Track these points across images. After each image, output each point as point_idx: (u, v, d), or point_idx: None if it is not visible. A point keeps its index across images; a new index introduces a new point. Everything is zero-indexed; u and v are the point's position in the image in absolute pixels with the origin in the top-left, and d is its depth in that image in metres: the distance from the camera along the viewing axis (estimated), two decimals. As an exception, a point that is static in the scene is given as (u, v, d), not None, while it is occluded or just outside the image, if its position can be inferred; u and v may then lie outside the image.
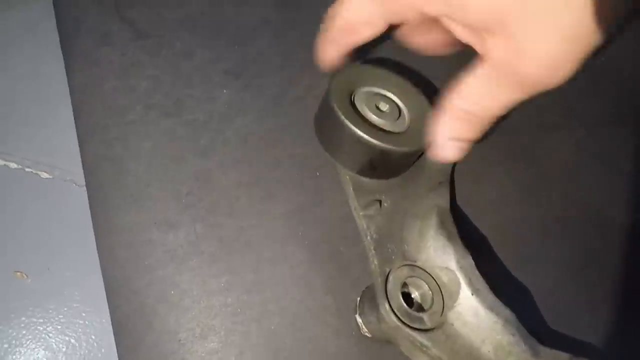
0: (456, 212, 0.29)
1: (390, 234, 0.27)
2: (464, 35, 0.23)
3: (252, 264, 0.28)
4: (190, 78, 0.32)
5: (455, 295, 0.25)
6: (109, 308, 0.27)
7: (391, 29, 0.25)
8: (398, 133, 0.27)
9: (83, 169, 0.30)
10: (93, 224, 0.28)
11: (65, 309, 0.45)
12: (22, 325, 0.45)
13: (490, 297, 0.25)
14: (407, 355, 0.25)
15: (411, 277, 0.25)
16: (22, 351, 0.44)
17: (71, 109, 0.31)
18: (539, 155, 0.32)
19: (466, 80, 0.23)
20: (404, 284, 0.25)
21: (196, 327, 0.26)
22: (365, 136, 0.25)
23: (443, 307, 0.25)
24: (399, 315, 0.24)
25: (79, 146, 0.30)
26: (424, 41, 0.28)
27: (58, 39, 0.33)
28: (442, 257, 0.26)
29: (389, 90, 0.28)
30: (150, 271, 0.27)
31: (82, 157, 0.30)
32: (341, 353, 0.26)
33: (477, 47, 0.23)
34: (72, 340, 0.45)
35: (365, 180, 0.28)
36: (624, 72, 0.35)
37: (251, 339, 0.26)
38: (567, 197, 0.31)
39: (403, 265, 0.25)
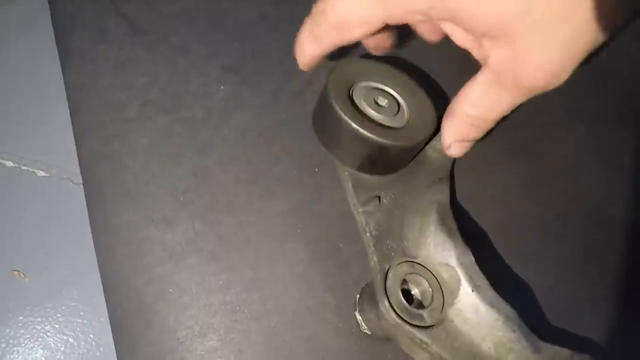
0: (456, 208, 0.29)
1: (389, 230, 0.26)
2: (464, 41, 0.24)
3: (251, 262, 0.28)
4: (188, 74, 0.32)
5: (455, 292, 0.25)
6: (107, 307, 0.27)
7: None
8: (397, 128, 0.27)
9: (80, 166, 0.29)
10: (90, 222, 0.28)
11: (64, 308, 0.45)
12: (20, 324, 0.45)
13: (491, 293, 0.24)
14: (407, 353, 0.24)
15: (411, 273, 0.25)
16: (20, 351, 0.44)
17: (67, 106, 0.31)
18: (539, 152, 0.32)
19: (470, 86, 0.24)
20: (404, 281, 0.25)
21: (195, 325, 0.26)
22: (364, 131, 0.25)
23: (443, 304, 0.24)
24: (398, 312, 0.23)
25: (76, 143, 0.30)
26: (385, 43, 0.28)
27: (53, 35, 0.33)
28: (442, 254, 0.25)
29: (387, 85, 0.28)
30: (149, 269, 0.27)
31: (78, 154, 0.30)
32: (341, 351, 0.26)
33: (475, 52, 0.25)
34: (71, 339, 0.45)
35: (365, 176, 0.28)
36: (624, 71, 0.35)
37: (250, 337, 0.26)
38: (567, 194, 0.31)
39: (403, 262, 0.25)
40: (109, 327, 0.26)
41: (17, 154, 0.50)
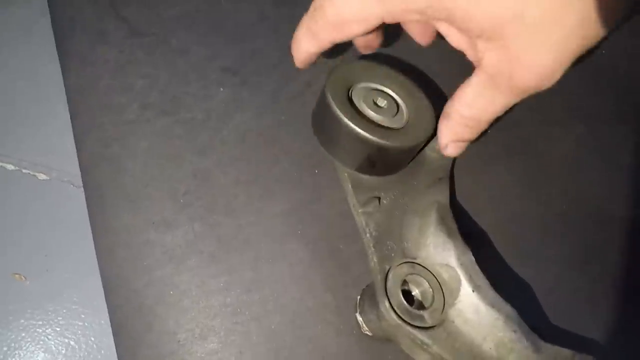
0: (456, 208, 0.29)
1: (389, 231, 0.26)
2: (459, 42, 0.25)
3: (251, 263, 0.28)
4: (187, 76, 0.32)
5: (455, 292, 0.25)
6: (108, 309, 0.27)
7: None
8: (396, 129, 0.27)
9: (80, 168, 0.29)
10: (91, 225, 0.28)
11: (64, 310, 0.45)
12: (21, 327, 0.45)
13: (491, 293, 0.24)
14: (407, 354, 0.24)
15: (411, 274, 0.25)
16: (22, 354, 0.44)
17: (68, 109, 0.31)
18: (539, 151, 0.32)
19: (464, 88, 0.25)
20: (404, 282, 0.25)
21: (195, 327, 0.26)
22: (363, 132, 0.25)
23: (444, 305, 0.24)
24: (399, 313, 0.23)
25: (76, 146, 0.30)
26: (375, 42, 0.29)
27: (53, 38, 0.33)
28: (442, 254, 0.25)
29: (386, 86, 0.28)
30: (149, 272, 0.27)
31: (78, 156, 0.30)
32: (342, 352, 0.26)
33: (469, 53, 0.25)
34: (72, 342, 0.45)
35: (364, 177, 0.28)
36: (622, 69, 0.35)
37: (251, 339, 0.26)
38: (567, 193, 0.31)
39: (403, 263, 0.25)
40: (109, 329, 0.26)
41: (18, 157, 0.50)
